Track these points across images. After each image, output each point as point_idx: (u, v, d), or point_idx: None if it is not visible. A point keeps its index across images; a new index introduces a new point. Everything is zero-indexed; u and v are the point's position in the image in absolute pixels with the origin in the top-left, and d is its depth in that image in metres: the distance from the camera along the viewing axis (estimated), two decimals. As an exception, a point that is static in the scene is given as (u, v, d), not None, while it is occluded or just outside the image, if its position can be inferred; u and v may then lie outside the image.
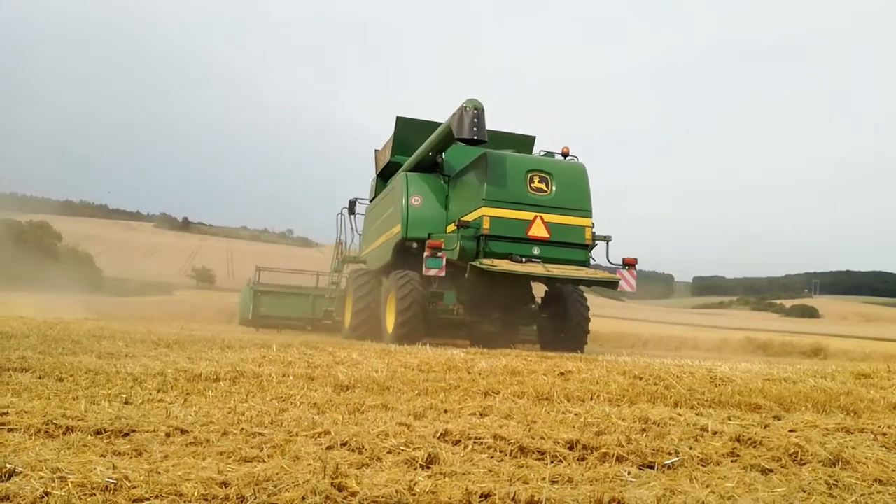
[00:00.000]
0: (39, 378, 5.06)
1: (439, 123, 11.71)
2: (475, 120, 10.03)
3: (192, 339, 8.88)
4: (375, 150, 15.42)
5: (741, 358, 13.74)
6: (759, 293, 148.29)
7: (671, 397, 5.36)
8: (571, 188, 10.95)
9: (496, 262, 10.19)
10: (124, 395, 4.49)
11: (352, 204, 16.18)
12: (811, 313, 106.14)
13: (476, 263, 10.21)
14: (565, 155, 11.48)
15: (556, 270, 10.36)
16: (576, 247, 10.77)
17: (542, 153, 11.84)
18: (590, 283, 11.08)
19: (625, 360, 7.55)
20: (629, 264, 10.98)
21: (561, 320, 11.71)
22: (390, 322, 11.55)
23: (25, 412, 3.67)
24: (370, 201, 15.41)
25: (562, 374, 6.25)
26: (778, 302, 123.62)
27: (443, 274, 10.62)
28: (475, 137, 10.10)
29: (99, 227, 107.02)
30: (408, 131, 13.19)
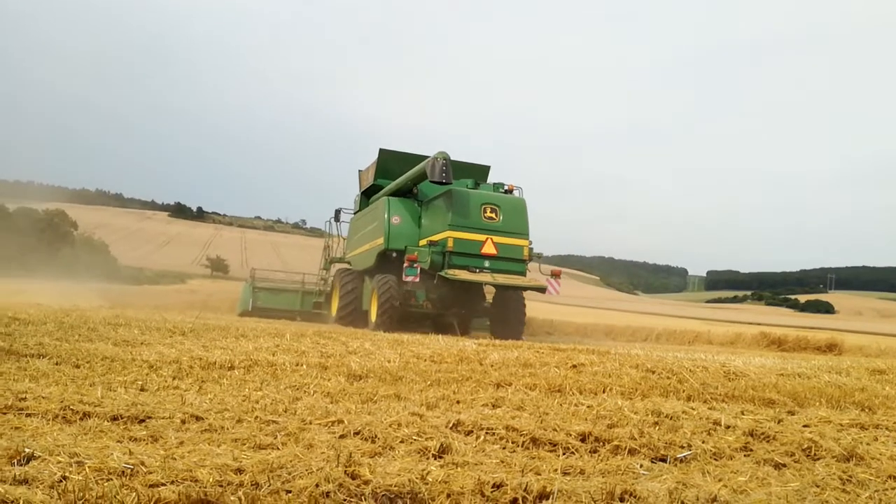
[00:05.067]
0: (56, 364, 5.12)
1: (416, 155, 15.75)
2: (444, 168, 13.42)
3: (207, 328, 8.93)
4: (359, 171, 18.46)
5: (755, 353, 13.67)
6: (774, 288, 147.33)
7: (684, 391, 5.35)
8: (514, 217, 14.21)
9: (457, 272, 13.35)
10: (140, 382, 4.54)
11: (337, 213, 19.33)
12: (826, 308, 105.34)
13: (442, 273, 13.43)
14: (510, 191, 14.79)
15: (501, 279, 13.54)
16: (516, 261, 13.99)
17: (494, 183, 15.09)
18: (525, 288, 14.21)
19: (637, 354, 7.52)
20: (555, 274, 14.47)
21: (504, 314, 15.01)
22: (373, 314, 14.58)
23: (43, 398, 3.73)
24: (354, 213, 18.67)
25: (574, 366, 6.24)
26: (793, 297, 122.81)
27: (417, 280, 13.73)
28: (443, 181, 13.54)
29: (114, 216, 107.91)
30: (388, 160, 16.59)
